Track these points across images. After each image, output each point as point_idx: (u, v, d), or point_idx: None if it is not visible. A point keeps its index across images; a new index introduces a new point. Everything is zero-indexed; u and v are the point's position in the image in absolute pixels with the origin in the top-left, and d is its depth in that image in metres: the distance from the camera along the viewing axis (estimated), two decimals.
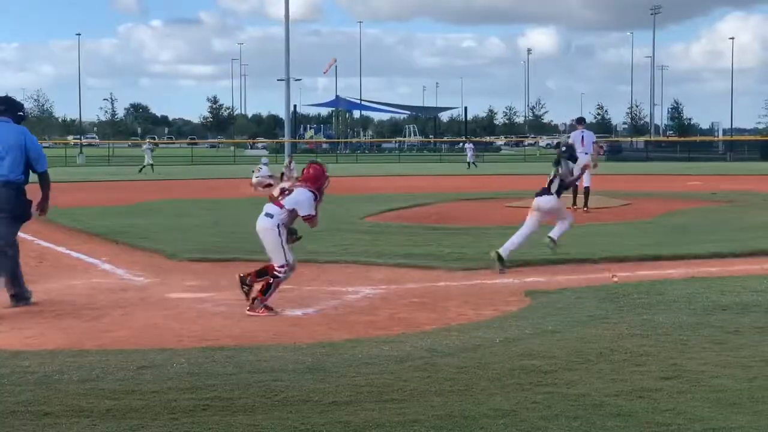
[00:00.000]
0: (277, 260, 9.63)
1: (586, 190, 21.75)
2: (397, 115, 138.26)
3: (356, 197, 26.54)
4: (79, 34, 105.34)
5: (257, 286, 9.67)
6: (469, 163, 59.40)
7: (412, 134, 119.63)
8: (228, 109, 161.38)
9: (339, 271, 12.36)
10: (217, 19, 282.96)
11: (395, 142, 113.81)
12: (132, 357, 7.24)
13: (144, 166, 50.15)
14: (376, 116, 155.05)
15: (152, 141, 60.81)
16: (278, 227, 9.68)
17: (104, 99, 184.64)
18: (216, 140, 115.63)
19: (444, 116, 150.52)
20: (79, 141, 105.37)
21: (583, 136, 22.38)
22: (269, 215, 9.80)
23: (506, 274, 11.90)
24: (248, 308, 9.53)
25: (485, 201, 25.81)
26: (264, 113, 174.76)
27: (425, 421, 5.49)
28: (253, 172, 33.49)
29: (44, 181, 10.58)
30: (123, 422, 5.53)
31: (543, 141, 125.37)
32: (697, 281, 10.64)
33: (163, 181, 41.81)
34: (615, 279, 11.12)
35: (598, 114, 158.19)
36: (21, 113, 10.53)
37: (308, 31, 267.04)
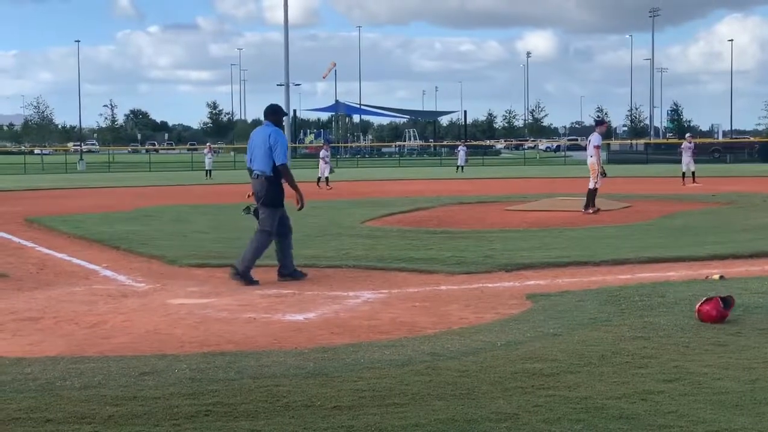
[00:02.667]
0: None
1: (591, 192, 21.94)
2: (396, 120, 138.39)
3: (356, 201, 26.56)
4: (78, 41, 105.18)
5: None
6: (458, 166, 59.11)
7: (412, 138, 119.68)
8: (228, 114, 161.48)
9: (340, 275, 12.36)
10: (214, 25, 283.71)
11: (395, 146, 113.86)
12: (133, 363, 7.23)
13: (208, 171, 50.38)
14: (375, 120, 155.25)
15: (212, 147, 60.48)
16: None
17: (104, 105, 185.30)
18: (216, 146, 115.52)
19: (444, 120, 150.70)
20: (79, 147, 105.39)
21: (589, 140, 22.62)
22: None
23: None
24: None
25: (485, 205, 25.83)
26: (263, 118, 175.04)
27: (427, 425, 5.48)
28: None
29: (282, 175, 12.05)
30: (125, 428, 5.52)
31: (543, 144, 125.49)
32: (698, 283, 10.63)
33: (162, 186, 41.84)
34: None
35: (598, 116, 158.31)
36: (281, 117, 12.50)
37: (306, 35, 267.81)
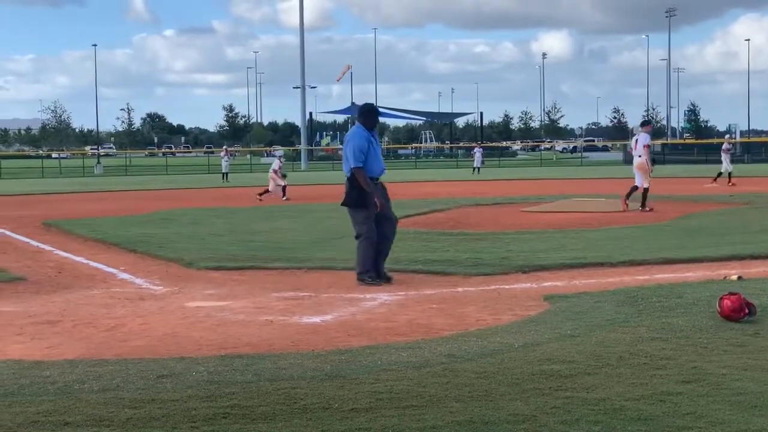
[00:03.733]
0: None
1: (644, 191, 22.61)
2: (412, 121, 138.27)
3: None
4: (95, 45, 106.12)
5: None
6: (474, 168, 59.42)
7: (428, 140, 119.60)
8: (244, 117, 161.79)
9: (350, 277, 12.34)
10: (229, 28, 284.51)
11: (411, 148, 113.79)
12: (151, 366, 7.25)
13: (225, 174, 50.56)
14: (392, 122, 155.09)
15: (229, 150, 60.62)
16: None
17: (121, 109, 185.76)
18: (233, 149, 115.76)
19: (459, 122, 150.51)
20: (96, 151, 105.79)
21: (637, 139, 23.17)
22: None
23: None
24: None
25: (501, 206, 25.80)
26: (280, 121, 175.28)
27: (444, 427, 5.48)
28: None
29: (352, 180, 11.89)
30: (143, 431, 5.54)
31: (559, 145, 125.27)
32: (715, 284, 10.59)
33: (179, 189, 41.96)
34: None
35: (615, 117, 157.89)
36: (370, 119, 12.20)
37: (321, 38, 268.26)
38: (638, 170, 22.89)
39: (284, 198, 30.92)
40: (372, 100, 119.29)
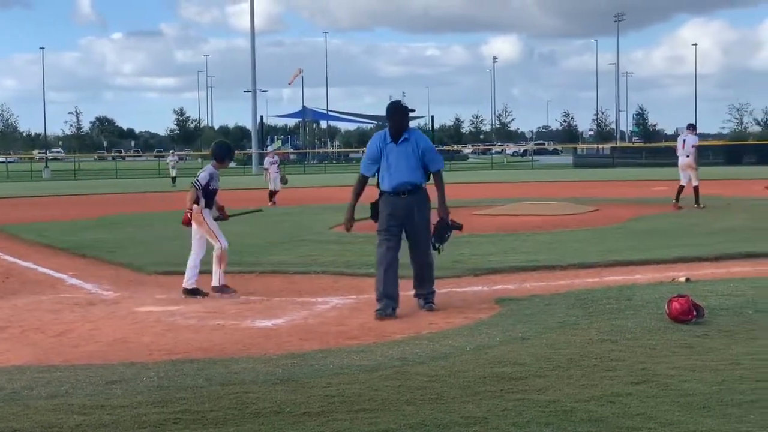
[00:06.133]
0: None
1: (695, 189, 23.61)
2: (364, 125, 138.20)
3: (324, 207, 26.52)
4: (42, 48, 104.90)
5: None
6: None
7: None
8: (195, 121, 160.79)
9: (308, 281, 12.34)
10: (178, 31, 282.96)
11: (362, 152, 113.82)
12: (101, 372, 7.18)
13: (174, 178, 49.70)
14: (343, 126, 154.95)
15: (176, 153, 60.05)
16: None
17: (69, 113, 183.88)
18: (183, 152, 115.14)
19: (411, 125, 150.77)
20: (44, 155, 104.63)
21: (684, 140, 24.41)
22: None
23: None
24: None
25: (453, 209, 25.72)
26: (231, 125, 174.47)
27: (397, 431, 5.48)
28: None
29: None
30: None
31: (510, 149, 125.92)
32: (664, 286, 10.69)
33: (129, 194, 41.64)
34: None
35: (564, 121, 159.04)
36: (394, 118, 10.29)
37: (272, 41, 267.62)
38: (687, 169, 23.97)
39: (270, 203, 29.35)
40: (323, 104, 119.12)
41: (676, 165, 24.71)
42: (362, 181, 10.44)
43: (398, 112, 10.32)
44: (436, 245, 10.46)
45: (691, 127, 25.30)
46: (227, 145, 12.68)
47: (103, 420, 5.80)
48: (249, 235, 18.81)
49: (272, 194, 30.62)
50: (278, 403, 6.08)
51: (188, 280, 11.48)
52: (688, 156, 24.05)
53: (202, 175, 11.69)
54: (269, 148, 37.61)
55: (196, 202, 11.53)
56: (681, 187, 24.03)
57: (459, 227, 10.79)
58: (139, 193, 42.19)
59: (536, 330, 8.46)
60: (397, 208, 10.18)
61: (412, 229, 10.25)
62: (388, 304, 9.87)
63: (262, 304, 10.65)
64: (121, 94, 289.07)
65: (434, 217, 10.54)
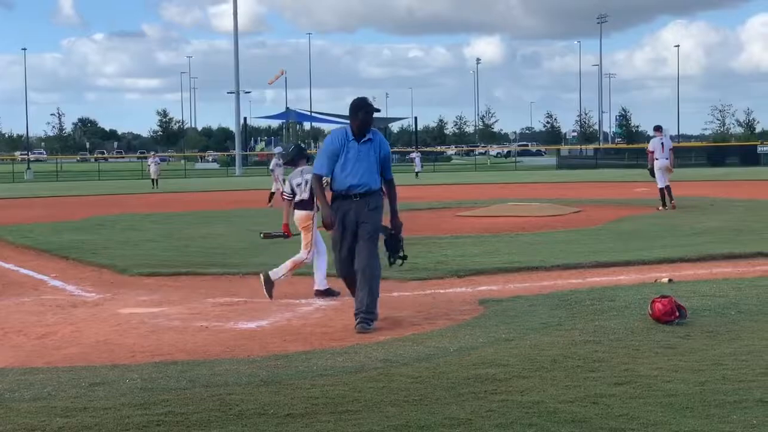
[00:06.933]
0: None
1: (668, 189, 24.00)
2: (347, 126, 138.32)
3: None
4: (24, 49, 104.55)
5: None
6: (417, 172, 60.86)
7: None
8: (178, 122, 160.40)
9: (292, 283, 12.30)
10: (160, 32, 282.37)
11: None
12: (83, 374, 7.16)
13: (154, 180, 49.24)
14: (326, 127, 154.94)
15: (156, 154, 59.77)
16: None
17: (51, 114, 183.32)
18: (167, 154, 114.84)
19: (394, 126, 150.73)
20: (26, 157, 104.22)
21: (663, 143, 24.64)
22: None
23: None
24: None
25: (437, 211, 25.89)
26: (214, 126, 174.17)
27: None
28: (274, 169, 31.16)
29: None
30: None
31: (493, 150, 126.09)
32: (647, 287, 10.73)
33: (112, 195, 41.52)
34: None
35: (547, 122, 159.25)
36: (357, 118, 9.48)
37: (254, 42, 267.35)
38: (666, 172, 24.20)
39: (269, 204, 29.00)
40: (307, 105, 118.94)
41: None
42: (322, 182, 9.68)
43: (365, 109, 9.54)
44: (391, 259, 9.77)
45: (660, 129, 25.56)
46: (301, 148, 12.71)
47: (86, 422, 5.77)
48: (231, 237, 18.81)
49: (273, 196, 30.02)
50: (262, 405, 6.07)
51: (320, 283, 11.35)
52: (667, 158, 24.32)
53: (298, 180, 11.47)
54: (275, 150, 36.79)
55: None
56: (663, 190, 24.18)
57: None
58: (122, 195, 42.07)
59: (520, 331, 8.47)
60: (349, 212, 9.41)
61: (360, 232, 9.40)
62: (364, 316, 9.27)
63: (245, 306, 10.64)
64: (103, 95, 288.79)
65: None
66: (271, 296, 10.98)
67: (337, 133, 9.73)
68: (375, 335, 8.79)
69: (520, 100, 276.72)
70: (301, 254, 11.41)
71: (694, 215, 21.84)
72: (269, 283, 11.06)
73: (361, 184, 9.39)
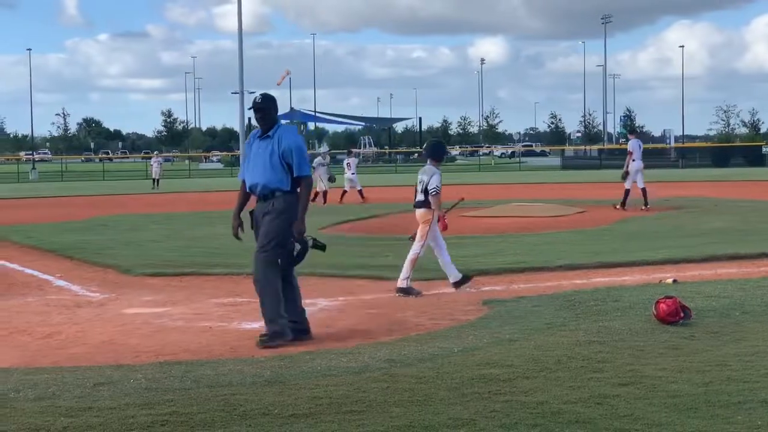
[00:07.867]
0: None
1: (644, 191, 24.44)
2: (351, 127, 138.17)
3: (311, 209, 26.47)
4: (29, 50, 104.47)
5: None
6: None
7: (367, 145, 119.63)
8: (182, 122, 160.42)
9: None
10: (165, 33, 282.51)
11: (348, 152, 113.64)
12: (88, 374, 7.16)
13: (155, 180, 49.22)
14: (330, 128, 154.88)
15: (160, 154, 59.70)
16: None
17: (56, 114, 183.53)
18: (171, 154, 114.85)
19: (398, 127, 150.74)
20: (31, 157, 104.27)
21: (640, 145, 25.38)
22: None
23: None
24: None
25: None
26: (218, 126, 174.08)
27: None
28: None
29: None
30: None
31: (498, 150, 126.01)
32: (651, 287, 10.72)
33: (116, 195, 41.53)
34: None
35: (552, 123, 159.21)
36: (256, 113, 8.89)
37: (259, 43, 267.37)
38: (641, 173, 24.63)
39: (323, 204, 29.05)
40: (311, 106, 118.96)
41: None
42: (243, 187, 9.06)
43: (252, 107, 8.92)
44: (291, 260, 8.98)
45: (635, 132, 26.80)
46: (442, 144, 12.93)
47: (91, 422, 5.78)
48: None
49: (324, 195, 30.08)
50: (266, 405, 6.07)
51: (453, 275, 11.61)
52: (641, 160, 24.95)
53: (437, 179, 11.38)
54: (321, 149, 36.42)
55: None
56: (644, 190, 24.50)
57: (321, 247, 9.28)
58: (126, 195, 42.09)
59: (524, 331, 8.47)
60: (257, 216, 8.87)
61: (259, 241, 8.83)
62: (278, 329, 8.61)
63: (249, 306, 10.62)
64: (107, 95, 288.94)
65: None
66: (418, 294, 11.18)
67: (251, 134, 9.19)
68: (378, 336, 8.79)
69: (524, 101, 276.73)
70: (415, 248, 11.56)
71: (698, 216, 21.81)
72: (405, 292, 11.21)
73: (256, 183, 8.78)
